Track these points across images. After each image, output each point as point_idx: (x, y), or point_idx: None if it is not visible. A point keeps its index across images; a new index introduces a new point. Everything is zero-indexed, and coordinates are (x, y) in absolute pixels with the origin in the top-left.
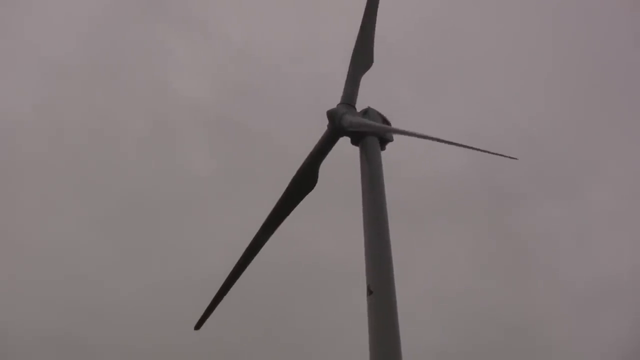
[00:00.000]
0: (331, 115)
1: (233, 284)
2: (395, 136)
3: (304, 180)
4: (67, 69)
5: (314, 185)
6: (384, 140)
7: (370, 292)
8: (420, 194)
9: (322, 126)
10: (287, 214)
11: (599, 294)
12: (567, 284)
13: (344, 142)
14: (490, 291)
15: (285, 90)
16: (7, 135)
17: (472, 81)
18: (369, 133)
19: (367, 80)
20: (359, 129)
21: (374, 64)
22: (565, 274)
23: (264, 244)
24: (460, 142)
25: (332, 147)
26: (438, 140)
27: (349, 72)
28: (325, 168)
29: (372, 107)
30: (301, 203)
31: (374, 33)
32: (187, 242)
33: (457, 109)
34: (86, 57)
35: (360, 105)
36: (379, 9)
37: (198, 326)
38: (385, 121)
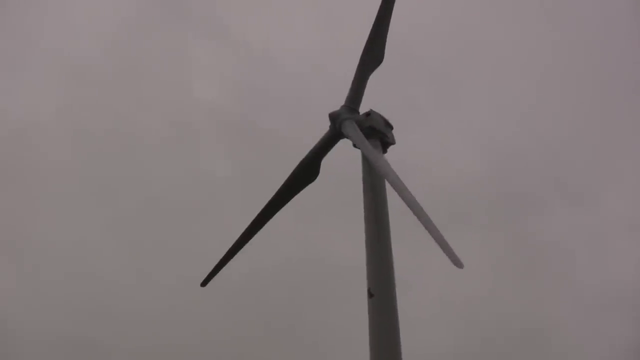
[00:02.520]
0: (332, 119)
1: (239, 249)
2: (409, 140)
3: (305, 172)
4: (89, 73)
5: (316, 178)
6: (385, 143)
7: (370, 295)
8: (436, 199)
9: None
10: (289, 199)
11: (612, 299)
12: (581, 289)
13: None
14: (504, 296)
15: (304, 95)
16: (29, 137)
17: (489, 85)
18: (370, 136)
19: (378, 80)
20: (353, 141)
21: (387, 64)
22: (579, 280)
23: (266, 222)
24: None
25: (333, 146)
26: (414, 210)
27: (356, 72)
28: (335, 167)
29: (384, 105)
30: (312, 205)
31: (387, 30)
32: (205, 243)
33: (473, 112)
34: (108, 60)
35: (370, 103)
36: (394, 9)
37: (204, 283)
38: (387, 124)
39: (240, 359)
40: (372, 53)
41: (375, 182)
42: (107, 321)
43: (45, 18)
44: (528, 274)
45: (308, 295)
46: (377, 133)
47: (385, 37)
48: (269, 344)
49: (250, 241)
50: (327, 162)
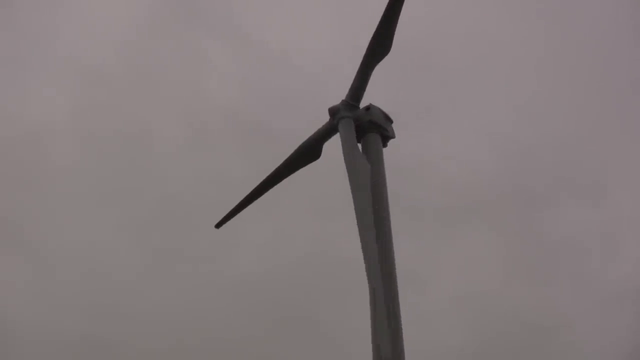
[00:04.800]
0: (331, 114)
1: (257, 197)
2: (418, 135)
3: (306, 152)
4: (103, 75)
5: (317, 158)
6: (385, 137)
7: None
8: (448, 195)
9: None
10: (288, 175)
11: (623, 296)
12: (592, 285)
13: None
14: (516, 292)
15: (319, 95)
16: (43, 139)
17: (498, 80)
18: (370, 130)
19: (386, 74)
20: (343, 145)
21: (396, 58)
22: (590, 276)
23: (266, 191)
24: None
25: (330, 137)
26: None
27: (361, 64)
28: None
29: (393, 99)
30: (324, 204)
31: (397, 19)
32: (219, 247)
33: (482, 108)
34: (122, 62)
35: (378, 97)
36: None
37: (219, 225)
38: (387, 118)
39: (254, 357)
40: (380, 42)
41: (375, 174)
42: (120, 322)
43: (58, 20)
44: (539, 269)
45: (321, 291)
46: (377, 127)
47: (395, 26)
48: (283, 342)
49: (261, 242)
50: (341, 158)
